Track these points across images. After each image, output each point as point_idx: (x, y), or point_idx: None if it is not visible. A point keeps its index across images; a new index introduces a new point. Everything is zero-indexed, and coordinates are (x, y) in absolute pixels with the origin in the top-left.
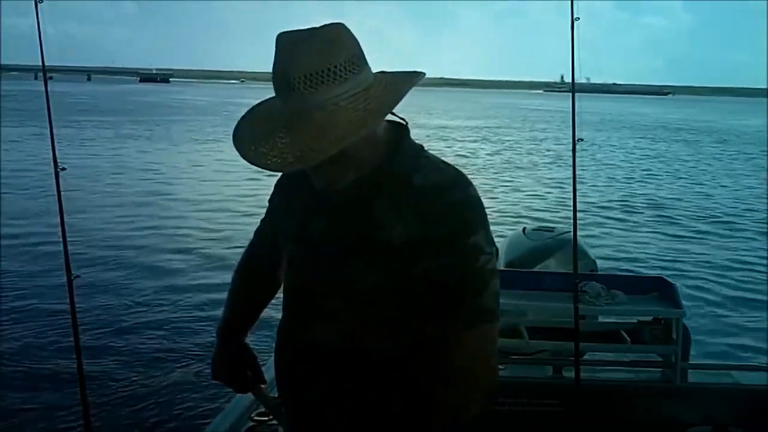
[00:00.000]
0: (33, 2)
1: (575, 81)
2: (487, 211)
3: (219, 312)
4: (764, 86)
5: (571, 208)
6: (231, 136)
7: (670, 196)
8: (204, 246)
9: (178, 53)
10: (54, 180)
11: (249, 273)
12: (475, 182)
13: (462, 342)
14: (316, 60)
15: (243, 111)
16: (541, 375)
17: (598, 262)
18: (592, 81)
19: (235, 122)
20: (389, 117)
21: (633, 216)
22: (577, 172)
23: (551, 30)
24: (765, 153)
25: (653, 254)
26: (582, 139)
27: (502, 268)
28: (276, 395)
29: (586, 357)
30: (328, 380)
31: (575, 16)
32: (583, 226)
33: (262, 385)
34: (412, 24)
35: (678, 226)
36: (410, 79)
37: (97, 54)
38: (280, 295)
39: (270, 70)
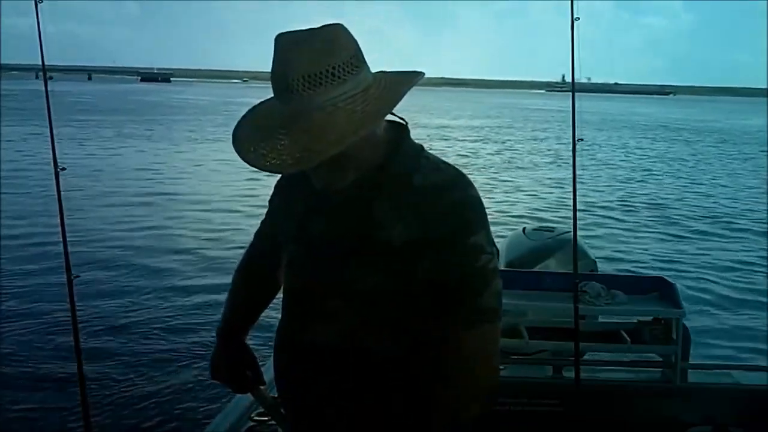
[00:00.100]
0: (33, 2)
1: (576, 81)
2: (487, 211)
3: (219, 312)
4: (764, 86)
5: (571, 208)
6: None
7: (670, 196)
8: (204, 246)
9: (179, 53)
10: (54, 180)
11: (249, 273)
12: (475, 182)
13: (462, 342)
14: (315, 61)
15: (244, 111)
16: (541, 375)
17: (598, 262)
18: (593, 81)
19: (236, 122)
20: (389, 117)
21: (633, 216)
22: (578, 172)
23: (551, 30)
24: (765, 153)
25: (653, 254)
26: (582, 139)
27: (502, 268)
28: (275, 395)
29: (586, 357)
30: (328, 380)
31: (575, 16)
32: (583, 226)
33: (261, 386)
34: (412, 24)
35: (678, 226)
36: (410, 80)
37: (98, 53)
38: (280, 295)
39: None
